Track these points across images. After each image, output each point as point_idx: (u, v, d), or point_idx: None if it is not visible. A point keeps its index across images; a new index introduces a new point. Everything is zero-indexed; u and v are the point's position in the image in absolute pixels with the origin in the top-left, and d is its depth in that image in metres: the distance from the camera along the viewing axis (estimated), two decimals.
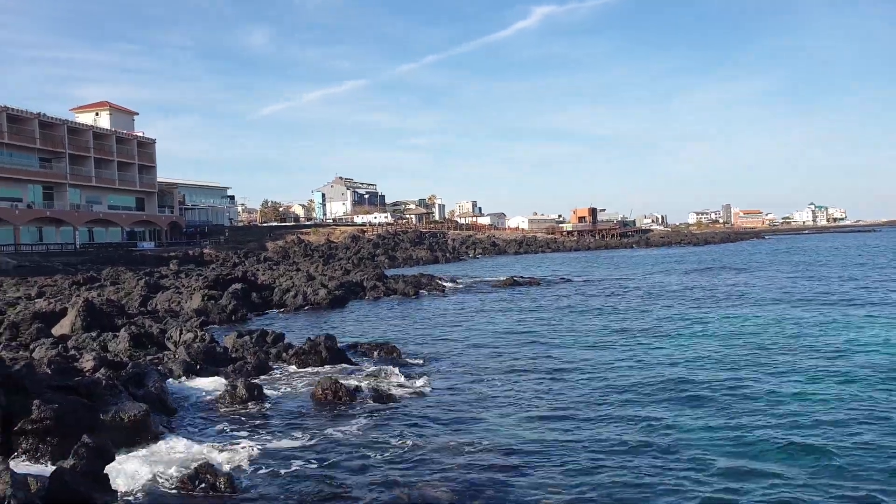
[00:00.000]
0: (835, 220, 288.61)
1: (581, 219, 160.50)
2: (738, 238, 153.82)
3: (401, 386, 14.48)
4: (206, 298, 27.15)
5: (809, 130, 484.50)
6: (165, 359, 16.00)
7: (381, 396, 13.23)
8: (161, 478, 9.09)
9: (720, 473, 8.85)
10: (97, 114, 76.05)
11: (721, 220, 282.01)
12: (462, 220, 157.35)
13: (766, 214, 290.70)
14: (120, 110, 78.89)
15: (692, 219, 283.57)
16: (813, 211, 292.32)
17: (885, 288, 32.09)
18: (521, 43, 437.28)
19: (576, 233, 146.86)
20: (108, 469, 8.30)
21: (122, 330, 18.20)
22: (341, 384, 13.45)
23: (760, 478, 8.66)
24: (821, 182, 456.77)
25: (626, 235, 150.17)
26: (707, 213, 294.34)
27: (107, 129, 73.23)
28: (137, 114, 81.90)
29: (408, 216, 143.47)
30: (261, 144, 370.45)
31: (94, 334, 18.20)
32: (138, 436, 10.41)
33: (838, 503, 7.89)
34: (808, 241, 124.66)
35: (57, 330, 19.77)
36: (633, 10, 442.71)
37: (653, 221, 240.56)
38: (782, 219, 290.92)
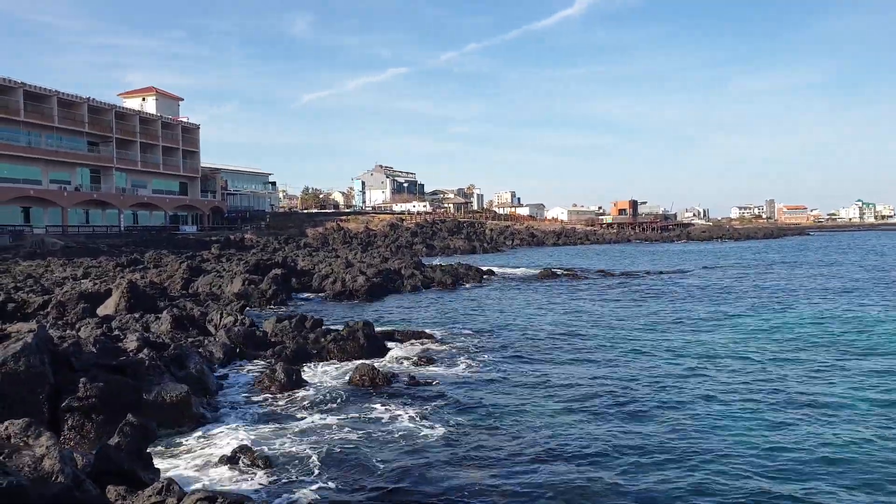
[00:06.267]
0: (883, 217, 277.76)
1: (621, 211, 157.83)
2: (782, 234, 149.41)
3: (436, 373, 14.38)
4: (246, 283, 27.51)
5: (859, 124, 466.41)
6: (206, 341, 16.21)
7: (417, 383, 13.17)
8: (200, 457, 9.19)
9: (762, 478, 8.48)
10: (144, 99, 77.72)
11: (764, 216, 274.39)
12: (500, 211, 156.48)
13: (811, 210, 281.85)
14: (166, 96, 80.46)
15: (735, 213, 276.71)
16: (860, 207, 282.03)
17: None
18: (564, 31, 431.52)
19: (615, 225, 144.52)
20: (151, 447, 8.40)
21: (165, 312, 18.52)
22: (378, 370, 13.42)
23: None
24: (869, 178, 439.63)
25: (667, 229, 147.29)
26: (750, 208, 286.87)
27: (153, 115, 74.84)
28: (182, 99, 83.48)
29: (446, 205, 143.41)
30: (302, 131, 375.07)
31: (137, 315, 18.55)
32: (179, 416, 10.55)
33: None
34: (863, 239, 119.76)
35: (101, 310, 20.25)
36: None
37: (694, 215, 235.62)
38: (828, 215, 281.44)
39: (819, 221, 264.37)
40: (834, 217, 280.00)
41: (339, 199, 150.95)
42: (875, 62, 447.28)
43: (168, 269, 33.45)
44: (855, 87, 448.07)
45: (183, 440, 9.95)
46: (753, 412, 11.32)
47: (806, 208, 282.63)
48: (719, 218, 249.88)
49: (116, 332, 15.83)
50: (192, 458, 9.19)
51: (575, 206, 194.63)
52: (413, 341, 18.21)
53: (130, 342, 13.14)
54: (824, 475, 8.57)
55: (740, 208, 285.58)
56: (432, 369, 14.82)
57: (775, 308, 25.01)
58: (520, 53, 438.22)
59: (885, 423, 10.62)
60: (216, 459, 8.91)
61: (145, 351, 12.48)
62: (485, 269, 40.92)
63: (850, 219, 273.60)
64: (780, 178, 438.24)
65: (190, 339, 16.38)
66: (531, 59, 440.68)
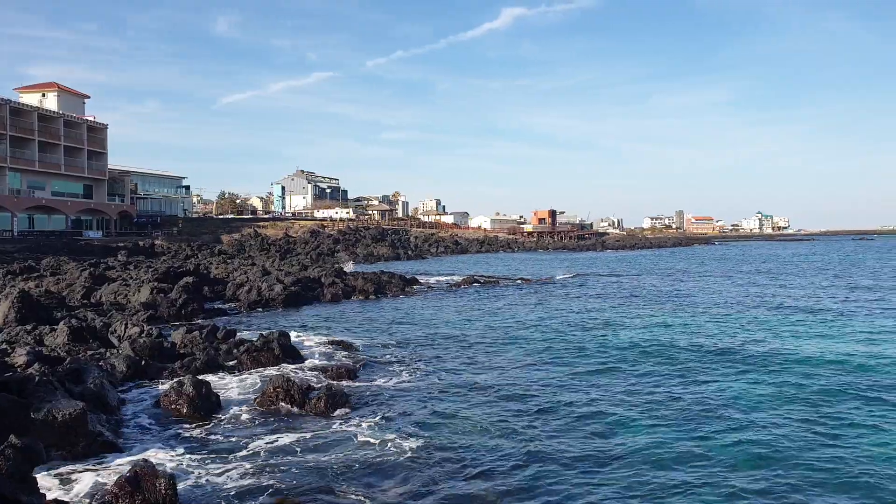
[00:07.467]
0: (779, 228, 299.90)
1: (541, 220, 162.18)
2: (690, 243, 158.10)
3: (355, 385, 14.10)
4: (154, 291, 26.13)
5: (760, 142, 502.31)
6: (108, 354, 15.22)
7: (335, 395, 12.80)
8: (96, 479, 8.53)
9: (672, 479, 8.81)
10: (44, 95, 72.71)
11: (674, 226, 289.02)
12: (425, 218, 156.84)
13: (717, 221, 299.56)
14: (69, 92, 75.64)
15: (647, 223, 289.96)
16: (760, 219, 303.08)
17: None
18: (490, 43, 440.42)
19: (536, 234, 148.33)
20: (38, 471, 7.72)
21: (61, 323, 17.25)
22: (294, 383, 12.97)
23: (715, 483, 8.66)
24: (768, 192, 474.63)
25: (583, 238, 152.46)
26: (661, 219, 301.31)
27: (54, 112, 70.13)
28: (89, 97, 78.68)
29: (370, 212, 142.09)
30: (220, 134, 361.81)
31: (29, 327, 17.22)
32: (74, 436, 9.78)
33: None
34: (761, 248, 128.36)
35: None
36: (603, 17, 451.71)
37: (609, 225, 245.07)
38: (731, 226, 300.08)
39: (724, 232, 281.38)
40: (737, 228, 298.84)
41: (258, 204, 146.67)
42: (776, 86, 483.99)
43: (68, 276, 31.30)
44: (756, 109, 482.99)
45: (77, 461, 9.22)
46: (675, 411, 11.80)
47: (712, 219, 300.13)
48: (632, 227, 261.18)
49: (3, 346, 14.58)
50: (86, 482, 8.52)
51: (498, 214, 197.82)
52: (333, 352, 17.81)
53: (19, 356, 12.14)
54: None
55: (652, 218, 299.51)
56: (350, 380, 14.51)
57: (677, 307, 26.37)
58: (446, 64, 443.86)
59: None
60: (113, 482, 8.29)
61: (36, 366, 11.56)
62: (408, 276, 40.75)
63: (751, 229, 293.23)
64: (688, 190, 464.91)
65: (90, 352, 15.34)
66: (457, 70, 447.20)
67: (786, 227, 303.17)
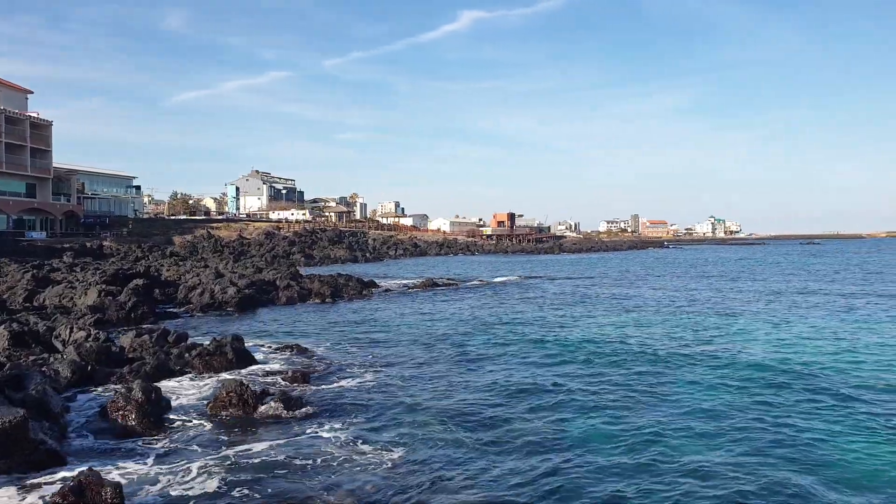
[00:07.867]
0: (731, 232, 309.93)
1: (500, 223, 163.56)
2: (645, 246, 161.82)
3: (312, 388, 13.93)
4: (102, 294, 25.29)
5: (714, 147, 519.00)
6: (52, 359, 14.65)
7: (290, 400, 12.62)
8: (38, 490, 8.21)
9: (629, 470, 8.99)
10: None
11: (630, 230, 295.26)
12: (384, 220, 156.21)
13: (671, 225, 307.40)
14: (10, 87, 72.60)
15: (603, 227, 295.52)
16: (713, 223, 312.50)
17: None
18: (450, 45, 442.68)
19: (495, 237, 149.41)
20: None
21: (1, 327, 16.53)
22: (247, 387, 12.73)
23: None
24: (721, 197, 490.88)
25: (541, 241, 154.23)
26: (617, 222, 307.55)
27: None
28: (32, 92, 75.62)
29: (327, 214, 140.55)
30: (173, 132, 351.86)
31: None
32: (13, 445, 9.38)
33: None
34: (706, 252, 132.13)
35: None
36: (563, 21, 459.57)
37: (567, 228, 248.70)
38: (685, 230, 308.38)
39: (678, 235, 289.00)
40: (690, 231, 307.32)
41: (212, 205, 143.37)
42: (733, 93, 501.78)
43: (9, 279, 30.03)
44: (712, 115, 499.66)
45: (17, 472, 8.84)
46: (631, 401, 12.06)
47: (666, 223, 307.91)
48: (589, 231, 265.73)
49: None
50: (27, 493, 8.19)
51: (457, 217, 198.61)
52: (288, 356, 17.55)
53: None
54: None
55: (608, 222, 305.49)
56: (305, 385, 14.32)
57: (630, 308, 27.03)
58: (408, 64, 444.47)
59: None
60: (56, 491, 7.98)
61: None
62: (366, 279, 40.48)
63: (704, 233, 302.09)
64: (644, 194, 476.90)
65: (32, 358, 14.76)
66: (416, 72, 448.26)
67: (738, 232, 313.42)
